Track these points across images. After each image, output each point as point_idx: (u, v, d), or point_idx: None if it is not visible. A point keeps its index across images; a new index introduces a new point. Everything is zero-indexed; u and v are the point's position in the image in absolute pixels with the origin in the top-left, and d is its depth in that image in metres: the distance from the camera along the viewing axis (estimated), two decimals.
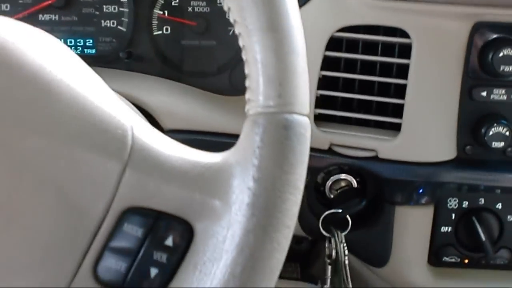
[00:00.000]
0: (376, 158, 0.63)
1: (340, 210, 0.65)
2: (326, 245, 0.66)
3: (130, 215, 0.35)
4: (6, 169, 0.33)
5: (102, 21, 0.72)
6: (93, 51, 0.72)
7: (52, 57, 0.37)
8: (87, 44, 0.72)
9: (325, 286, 0.68)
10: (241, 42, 0.36)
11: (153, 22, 0.71)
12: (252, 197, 0.34)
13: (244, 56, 0.36)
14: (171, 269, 0.35)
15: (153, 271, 0.35)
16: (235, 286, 0.33)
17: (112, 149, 0.35)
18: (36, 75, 0.35)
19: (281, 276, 0.79)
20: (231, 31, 0.70)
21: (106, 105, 0.36)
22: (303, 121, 0.35)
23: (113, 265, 0.34)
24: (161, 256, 0.35)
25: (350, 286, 0.66)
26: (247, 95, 0.36)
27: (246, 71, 0.36)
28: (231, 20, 0.36)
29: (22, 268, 0.33)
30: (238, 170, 0.35)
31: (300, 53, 0.35)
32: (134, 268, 0.35)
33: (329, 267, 0.67)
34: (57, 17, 0.72)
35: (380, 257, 0.67)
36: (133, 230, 0.35)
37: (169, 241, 0.35)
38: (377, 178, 0.63)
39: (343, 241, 0.65)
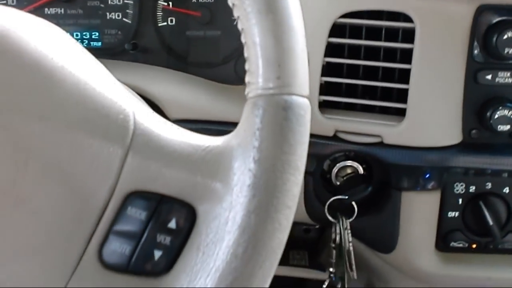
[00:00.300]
0: (381, 144, 0.62)
1: (346, 197, 0.65)
2: (332, 230, 0.67)
3: (134, 198, 0.35)
4: (10, 154, 0.34)
5: (107, 14, 0.72)
6: (99, 43, 0.73)
7: (54, 45, 0.37)
8: (93, 37, 0.73)
9: (330, 269, 0.68)
10: (240, 26, 0.36)
11: (157, 13, 0.71)
12: (253, 179, 0.34)
13: (243, 39, 0.36)
14: (175, 251, 0.35)
15: (157, 254, 0.35)
16: (237, 266, 0.33)
17: (115, 134, 0.36)
18: (38, 62, 0.36)
19: (290, 264, 0.80)
20: (236, 21, 0.70)
21: (108, 91, 0.37)
22: (303, 102, 0.35)
23: (117, 248, 0.35)
24: (164, 239, 0.35)
25: (355, 272, 0.66)
26: (247, 78, 0.36)
27: (246, 54, 0.36)
28: (230, 4, 0.36)
29: (28, 251, 0.34)
30: (239, 152, 0.35)
31: (299, 34, 0.35)
32: (138, 250, 0.35)
33: (334, 252, 0.67)
34: (62, 10, 0.72)
35: (387, 243, 0.67)
36: (136, 214, 0.35)
37: (172, 224, 0.36)
38: (383, 164, 0.63)
39: (348, 227, 0.65)
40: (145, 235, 0.35)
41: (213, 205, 0.35)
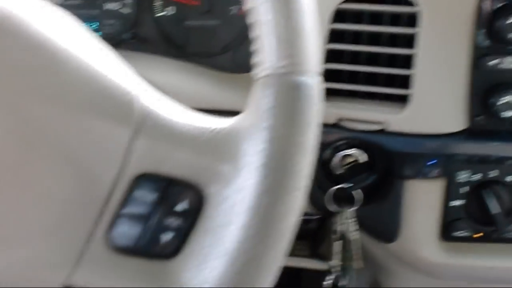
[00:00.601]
0: (384, 132, 0.62)
1: (349, 186, 0.64)
2: (333, 221, 0.66)
3: (142, 181, 0.35)
4: (17, 137, 0.33)
5: (106, 4, 0.71)
6: (99, 33, 0.72)
7: (58, 27, 0.37)
8: (92, 27, 0.72)
9: (331, 263, 0.67)
10: (248, 5, 0.35)
11: (156, 3, 0.70)
12: (263, 160, 0.33)
13: (251, 19, 0.35)
14: (183, 235, 0.35)
15: (165, 237, 0.35)
16: (247, 249, 0.33)
17: (121, 116, 0.35)
18: (42, 44, 0.35)
19: (290, 254, 0.79)
20: (234, 10, 0.70)
21: (113, 73, 0.36)
22: (314, 82, 0.34)
23: (125, 231, 0.34)
24: (173, 222, 0.35)
25: (359, 262, 0.65)
26: (255, 59, 0.35)
27: (254, 33, 0.35)
28: None
29: (35, 235, 0.33)
30: (249, 133, 0.34)
31: (309, 12, 0.34)
32: (146, 233, 0.34)
33: (336, 244, 0.66)
34: (61, 0, 0.71)
35: (389, 232, 0.66)
36: (144, 196, 0.35)
37: (180, 207, 0.35)
38: (386, 152, 0.63)
39: (351, 217, 0.65)
40: (153, 218, 0.35)
41: (222, 187, 0.35)
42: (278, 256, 0.33)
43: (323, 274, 0.71)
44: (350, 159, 0.65)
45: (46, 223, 0.33)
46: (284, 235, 0.33)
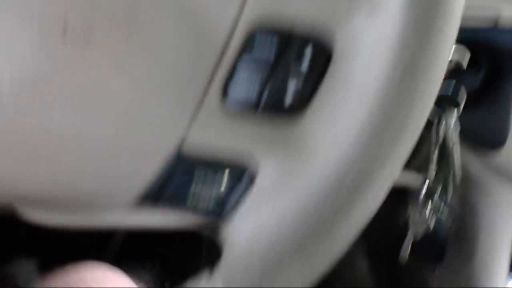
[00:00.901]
0: (495, 27, 0.56)
1: (451, 86, 0.58)
2: (433, 128, 0.61)
3: (260, 33, 0.31)
4: None
5: None
6: None
7: None
8: None
9: (426, 174, 0.62)
10: None
11: None
12: (405, 5, 0.29)
13: None
14: (308, 92, 0.31)
15: (287, 98, 0.31)
16: (386, 105, 0.28)
17: None
18: None
19: None
20: None
21: None
22: None
23: (242, 89, 0.31)
24: (295, 78, 0.31)
25: (458, 174, 0.60)
26: None
27: None
28: None
29: (148, 89, 0.30)
30: None
31: None
32: (266, 94, 0.31)
33: (434, 154, 0.61)
34: None
35: (494, 140, 0.61)
36: (264, 52, 0.31)
37: (304, 64, 0.31)
38: (495, 50, 0.57)
39: (452, 124, 0.59)
40: (274, 76, 0.31)
41: (353, 39, 0.30)
42: (422, 115, 0.29)
43: (405, 192, 0.66)
44: (453, 58, 0.59)
45: (160, 76, 0.30)
46: (431, 89, 0.29)
